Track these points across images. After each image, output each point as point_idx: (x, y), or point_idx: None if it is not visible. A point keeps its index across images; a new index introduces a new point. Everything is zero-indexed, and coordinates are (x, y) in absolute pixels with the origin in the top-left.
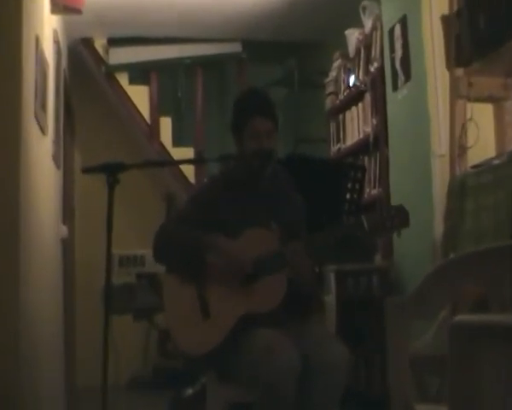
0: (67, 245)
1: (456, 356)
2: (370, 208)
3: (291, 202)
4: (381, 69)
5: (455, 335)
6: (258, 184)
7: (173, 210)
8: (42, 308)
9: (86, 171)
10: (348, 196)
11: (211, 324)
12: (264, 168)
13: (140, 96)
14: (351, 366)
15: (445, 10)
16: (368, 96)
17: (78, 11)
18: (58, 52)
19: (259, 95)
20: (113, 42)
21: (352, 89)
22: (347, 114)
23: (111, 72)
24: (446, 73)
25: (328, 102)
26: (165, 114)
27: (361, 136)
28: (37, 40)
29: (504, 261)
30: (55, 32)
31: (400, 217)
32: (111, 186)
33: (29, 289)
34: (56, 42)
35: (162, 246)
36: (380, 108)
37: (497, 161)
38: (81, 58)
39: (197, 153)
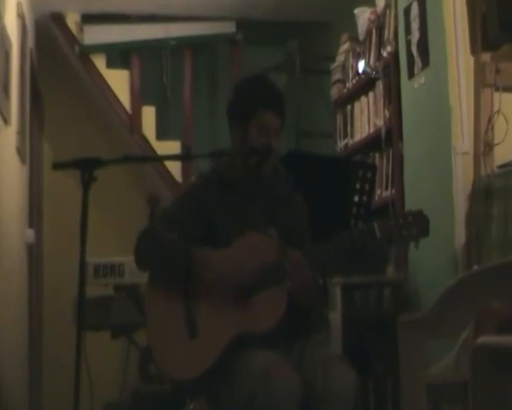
0: (34, 252)
1: (480, 383)
2: (382, 213)
3: (291, 205)
4: (395, 54)
5: (478, 359)
6: (255, 185)
7: (158, 211)
8: (2, 325)
9: (57, 166)
10: (356, 198)
11: (199, 344)
12: (262, 167)
13: (119, 81)
14: (359, 394)
15: None
16: (380, 85)
17: None
18: (23, 28)
19: (274, 87)
20: (89, 18)
21: (362, 76)
22: (356, 104)
23: (86, 53)
24: (471, 59)
25: (335, 92)
26: (149, 102)
27: (371, 130)
28: None
29: None
30: (19, 4)
31: (419, 225)
32: (86, 185)
33: None
34: (21, 16)
35: (144, 252)
36: (393, 98)
37: None
38: (51, 36)
39: (184, 147)
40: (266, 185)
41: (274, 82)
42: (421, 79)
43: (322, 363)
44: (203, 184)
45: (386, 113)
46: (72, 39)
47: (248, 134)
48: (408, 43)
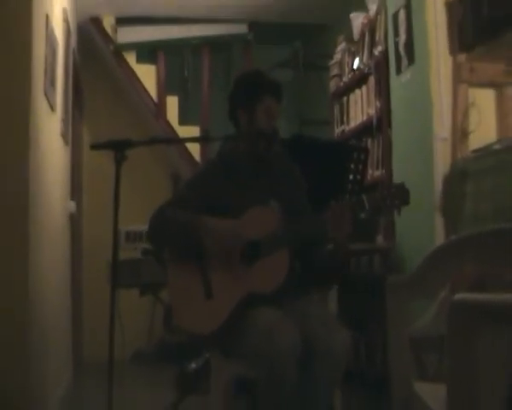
0: (75, 220)
1: (455, 334)
2: (373, 189)
3: (290, 176)
4: (385, 53)
5: (454, 313)
6: (257, 164)
7: (174, 192)
8: (50, 281)
9: (94, 147)
10: (351, 176)
11: (213, 304)
12: (268, 149)
13: (147, 74)
14: (352, 349)
15: None
16: (372, 79)
17: None
18: (67, 31)
19: (270, 76)
20: (122, 21)
21: (356, 72)
22: (351, 96)
23: (119, 50)
24: (449, 58)
25: (333, 85)
26: (172, 92)
27: (364, 118)
28: (47, 19)
29: (503, 244)
30: (64, 10)
31: (401, 195)
32: (118, 163)
33: (37, 263)
34: (66, 21)
35: (155, 232)
36: (383, 91)
37: (497, 146)
38: (90, 37)
39: (203, 131)
40: (269, 163)
41: (268, 73)
42: (407, 75)
43: (321, 324)
44: (209, 168)
45: (377, 103)
46: (107, 39)
47: (255, 117)
48: (396, 43)
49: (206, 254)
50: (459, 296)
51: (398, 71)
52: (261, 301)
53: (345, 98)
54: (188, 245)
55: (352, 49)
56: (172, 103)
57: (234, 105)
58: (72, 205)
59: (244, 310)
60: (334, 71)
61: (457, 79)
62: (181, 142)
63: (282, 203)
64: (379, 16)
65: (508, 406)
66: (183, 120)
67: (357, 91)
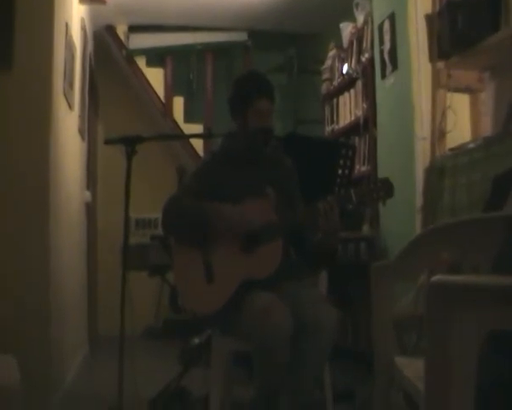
0: (91, 208)
1: (432, 314)
2: (360, 183)
3: (283, 166)
4: (371, 59)
5: (432, 293)
6: (256, 155)
7: (181, 182)
8: (68, 263)
9: (108, 142)
10: (340, 171)
11: (214, 288)
12: (265, 145)
13: (156, 77)
14: (339, 327)
15: (429, 10)
16: (359, 83)
17: (102, 1)
18: (85, 37)
19: (263, 78)
20: (133, 29)
21: (345, 76)
22: (341, 98)
23: (131, 55)
24: (429, 65)
25: (324, 88)
26: (178, 93)
27: (352, 118)
28: (67, 27)
29: (476, 232)
30: (82, 19)
31: (385, 188)
32: (129, 156)
33: (57, 246)
34: (83, 28)
35: (170, 218)
36: (369, 94)
37: (471, 145)
38: (105, 43)
39: (206, 129)
40: (263, 154)
41: (262, 73)
42: (391, 80)
43: (311, 304)
44: (211, 160)
45: (364, 105)
46: (120, 45)
47: (248, 120)
48: (381, 51)
49: (209, 240)
50: (436, 278)
51: (383, 76)
52: (257, 285)
53: (335, 100)
54: (196, 229)
55: (342, 55)
56: (178, 103)
57: (231, 110)
58: (87, 195)
59: (242, 294)
60: (326, 75)
61: (436, 84)
62: (186, 138)
63: (276, 190)
64: (366, 26)
65: (476, 377)
66: (188, 119)
67: (346, 94)
